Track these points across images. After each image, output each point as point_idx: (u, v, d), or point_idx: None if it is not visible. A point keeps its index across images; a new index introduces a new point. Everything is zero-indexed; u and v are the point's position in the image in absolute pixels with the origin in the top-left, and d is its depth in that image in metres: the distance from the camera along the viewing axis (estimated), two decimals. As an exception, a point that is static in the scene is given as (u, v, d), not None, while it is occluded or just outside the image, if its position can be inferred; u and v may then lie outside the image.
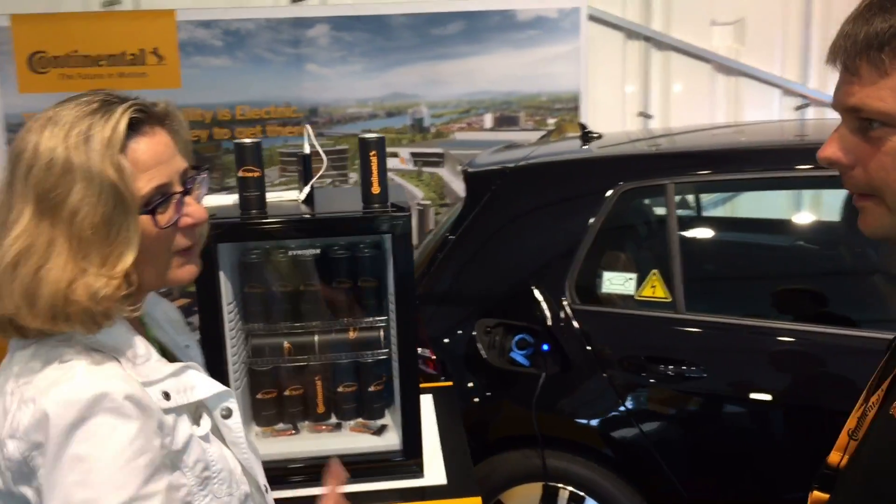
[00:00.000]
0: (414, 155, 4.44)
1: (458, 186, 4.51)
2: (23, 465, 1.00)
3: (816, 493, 1.10)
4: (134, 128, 1.05)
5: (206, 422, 1.14)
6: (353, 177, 4.45)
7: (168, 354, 1.22)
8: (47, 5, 4.43)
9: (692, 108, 4.81)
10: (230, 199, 1.93)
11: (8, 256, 1.00)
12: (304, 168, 1.97)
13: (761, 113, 4.80)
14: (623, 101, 4.87)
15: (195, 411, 1.14)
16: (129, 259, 1.03)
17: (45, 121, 1.03)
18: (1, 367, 1.07)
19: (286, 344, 1.95)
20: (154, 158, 1.06)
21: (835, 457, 1.07)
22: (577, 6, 4.35)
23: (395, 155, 4.41)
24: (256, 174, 1.83)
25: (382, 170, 1.85)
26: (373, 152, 1.85)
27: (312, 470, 1.87)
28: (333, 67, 4.35)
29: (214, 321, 1.78)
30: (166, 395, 1.08)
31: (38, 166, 1.01)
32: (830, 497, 1.07)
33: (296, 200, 1.95)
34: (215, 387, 1.17)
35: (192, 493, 1.08)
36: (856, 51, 0.88)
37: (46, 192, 1.00)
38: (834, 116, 0.97)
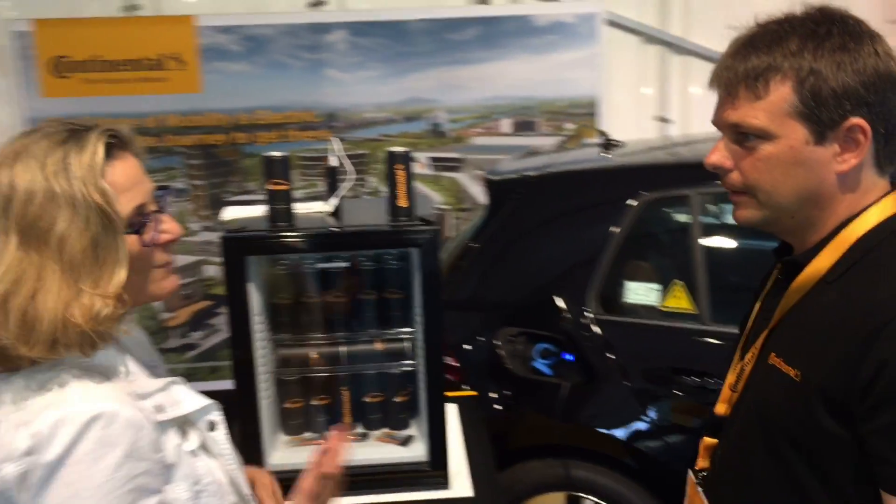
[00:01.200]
0: (432, 160, 4.45)
1: (476, 191, 4.52)
2: (19, 486, 1.01)
3: (707, 439, 1.33)
4: (107, 153, 1.08)
5: (194, 436, 1.17)
6: (372, 181, 4.46)
7: None
8: (69, 10, 4.46)
9: (711, 113, 4.80)
10: (258, 211, 1.94)
11: None
12: (332, 180, 1.98)
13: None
14: (640, 106, 4.86)
15: (181, 426, 1.16)
16: (121, 276, 1.06)
17: (14, 155, 1.05)
18: None
19: (314, 354, 1.96)
20: (129, 180, 1.11)
21: (720, 408, 1.30)
22: (594, 11, 4.35)
23: (413, 160, 4.42)
24: (285, 187, 1.84)
25: (409, 183, 1.86)
26: (399, 166, 1.86)
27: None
28: (352, 72, 4.36)
29: (244, 331, 1.79)
30: (159, 409, 1.11)
31: (17, 199, 1.03)
32: (719, 441, 1.30)
33: (323, 213, 1.96)
34: (200, 400, 1.19)
35: None
36: (736, 80, 1.11)
37: (31, 224, 1.02)
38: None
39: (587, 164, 2.89)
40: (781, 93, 1.09)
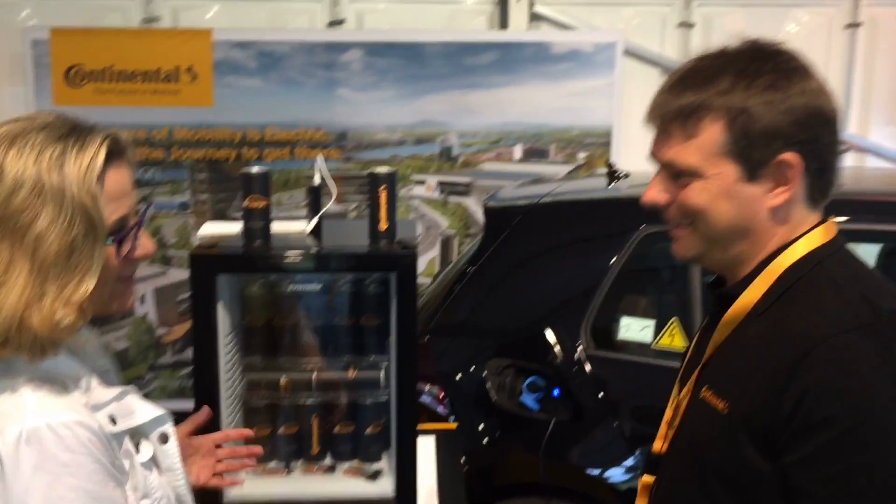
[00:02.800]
0: (441, 183, 4.40)
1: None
2: None
3: (645, 478, 1.32)
4: (107, 159, 1.05)
5: (146, 448, 1.13)
6: (379, 203, 4.42)
7: None
8: (88, 20, 4.49)
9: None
10: (234, 228, 1.89)
11: None
12: (314, 199, 1.93)
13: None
14: (657, 138, 4.79)
15: (134, 437, 1.13)
16: (89, 287, 1.01)
17: (9, 139, 1.00)
18: None
19: (283, 380, 1.90)
20: (120, 191, 1.07)
21: (657, 445, 1.29)
22: (613, 41, 4.29)
23: (421, 182, 4.38)
24: (262, 204, 1.79)
25: (392, 205, 1.81)
26: (382, 187, 1.80)
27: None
28: (365, 92, 4.33)
29: (209, 353, 1.73)
30: (112, 420, 1.07)
31: (2, 186, 0.98)
32: (656, 478, 1.29)
33: (302, 232, 1.91)
34: (154, 411, 1.15)
35: None
36: (669, 117, 1.12)
37: (12, 214, 0.98)
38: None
39: (587, 194, 2.82)
40: (712, 132, 1.09)
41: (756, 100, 1.08)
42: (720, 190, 1.11)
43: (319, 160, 1.95)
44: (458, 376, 2.61)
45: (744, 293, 1.14)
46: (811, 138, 1.08)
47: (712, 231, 1.14)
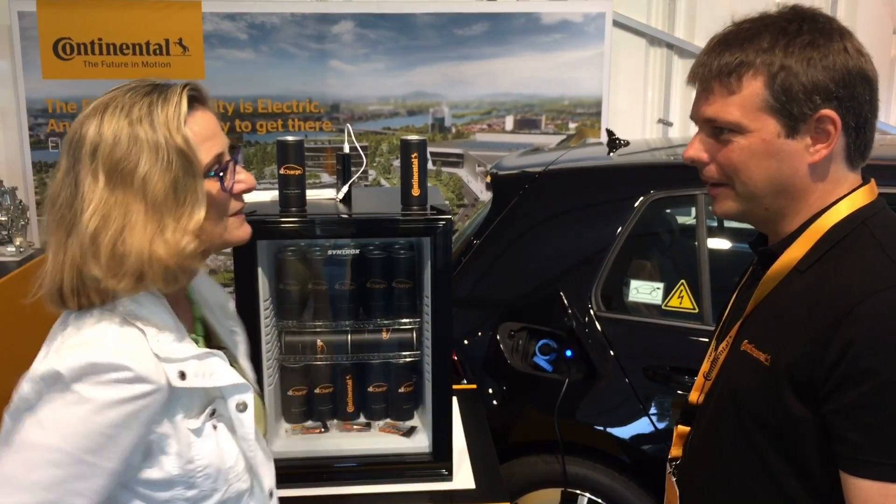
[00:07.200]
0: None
1: (476, 187, 4.52)
2: (26, 404, 1.07)
3: (680, 427, 1.38)
4: (190, 105, 1.15)
5: (204, 415, 1.18)
6: (372, 174, 4.45)
7: (213, 335, 1.32)
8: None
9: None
10: (268, 196, 1.93)
11: (89, 229, 1.08)
12: (344, 167, 1.97)
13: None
14: (644, 108, 4.88)
15: (210, 401, 1.18)
16: (200, 215, 1.12)
17: (102, 107, 1.12)
18: (54, 330, 1.16)
19: (319, 342, 1.95)
20: (210, 131, 1.18)
21: (693, 396, 1.35)
22: (602, 11, 4.35)
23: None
24: (298, 172, 1.83)
25: (423, 172, 1.86)
26: (414, 154, 1.85)
27: (343, 469, 1.89)
28: (357, 64, 4.35)
29: (251, 317, 1.78)
30: (182, 375, 1.13)
31: (104, 144, 1.09)
32: (691, 428, 1.34)
33: (334, 199, 1.95)
34: (235, 377, 1.21)
35: (173, 479, 1.14)
36: (711, 75, 1.16)
37: (116, 165, 1.09)
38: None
39: (594, 161, 2.88)
40: (754, 88, 1.13)
41: (796, 57, 1.12)
42: (761, 145, 1.14)
43: (349, 128, 1.99)
44: (471, 340, 2.68)
45: (787, 251, 1.18)
46: (849, 95, 1.12)
47: (751, 188, 1.17)
